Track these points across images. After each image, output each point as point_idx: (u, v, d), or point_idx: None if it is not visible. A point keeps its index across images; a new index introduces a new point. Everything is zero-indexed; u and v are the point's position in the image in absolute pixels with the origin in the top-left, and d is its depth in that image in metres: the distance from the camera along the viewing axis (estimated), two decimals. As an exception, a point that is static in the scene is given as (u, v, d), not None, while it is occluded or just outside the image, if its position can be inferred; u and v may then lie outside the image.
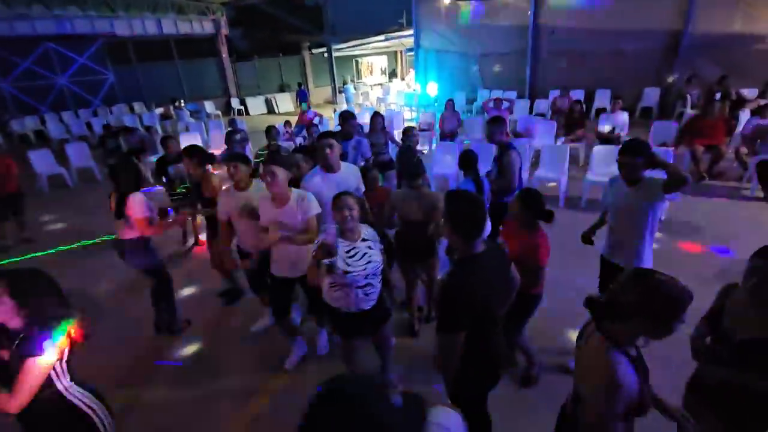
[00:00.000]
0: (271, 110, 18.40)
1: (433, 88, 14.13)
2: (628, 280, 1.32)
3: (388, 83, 20.23)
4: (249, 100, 18.19)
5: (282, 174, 2.63)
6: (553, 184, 5.95)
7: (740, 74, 8.84)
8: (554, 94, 10.10)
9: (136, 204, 3.04)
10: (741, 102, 7.72)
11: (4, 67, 13.56)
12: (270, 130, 5.61)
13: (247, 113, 17.73)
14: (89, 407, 1.72)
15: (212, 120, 13.45)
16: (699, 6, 9.25)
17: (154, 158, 6.06)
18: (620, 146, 2.59)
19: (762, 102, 6.94)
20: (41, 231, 6.25)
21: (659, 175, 2.46)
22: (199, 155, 3.72)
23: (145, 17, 15.48)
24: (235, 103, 17.79)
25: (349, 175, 3.12)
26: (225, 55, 17.88)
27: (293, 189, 2.74)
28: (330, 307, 2.46)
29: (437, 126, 8.65)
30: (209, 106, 16.42)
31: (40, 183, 8.12)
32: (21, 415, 1.58)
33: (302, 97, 15.09)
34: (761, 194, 5.47)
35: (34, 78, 14.11)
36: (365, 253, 2.33)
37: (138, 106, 15.65)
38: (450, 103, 8.39)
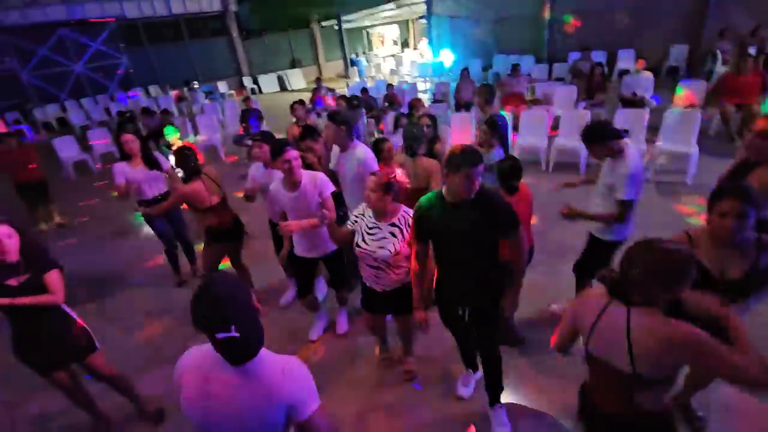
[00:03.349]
0: (283, 87, 18.26)
1: (447, 57, 13.73)
2: (636, 253, 1.36)
3: (401, 54, 19.73)
4: (261, 78, 18.07)
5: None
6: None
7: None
8: (574, 56, 9.69)
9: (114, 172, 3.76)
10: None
11: (22, 56, 13.80)
12: (295, 107, 5.29)
13: (260, 91, 17.66)
14: (75, 317, 2.41)
15: (227, 100, 13.49)
16: (733, -48, 8.60)
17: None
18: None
19: (800, 55, 6.51)
20: (73, 216, 6.50)
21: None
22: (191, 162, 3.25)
23: (154, -3, 15.39)
24: (247, 81, 17.71)
25: (350, 155, 3.07)
26: (235, 33, 17.68)
27: (304, 171, 2.74)
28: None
29: (452, 96, 8.46)
30: (222, 86, 16.40)
31: (66, 169, 8.39)
32: (30, 326, 2.24)
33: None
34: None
35: (51, 66, 14.35)
36: (383, 237, 2.25)
37: (153, 90, 15.77)
38: (465, 71, 8.15)
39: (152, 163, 3.89)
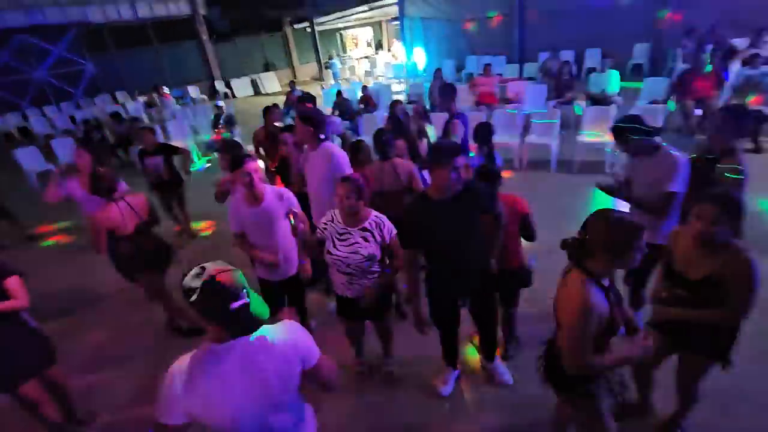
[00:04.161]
0: (257, 91, 18.03)
1: (420, 58, 13.83)
2: (591, 220, 1.52)
3: (375, 55, 19.78)
4: (234, 82, 17.79)
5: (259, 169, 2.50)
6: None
7: (732, 24, 8.67)
8: (544, 56, 9.93)
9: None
10: (732, 53, 7.61)
11: (-22, 63, 13.16)
12: (268, 111, 4.64)
13: (233, 95, 17.39)
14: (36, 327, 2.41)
15: (198, 105, 13.23)
16: (688, -46, 8.98)
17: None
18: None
19: (752, 51, 6.86)
20: (41, 228, 6.23)
21: None
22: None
23: (119, 2, 14.91)
24: (219, 86, 17.40)
25: (320, 157, 2.92)
26: (205, 36, 17.34)
27: (266, 185, 2.58)
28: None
29: (426, 97, 8.54)
30: (193, 91, 16.06)
31: (31, 181, 8.04)
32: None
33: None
34: (750, 146, 5.49)
35: (11, 73, 13.70)
36: (355, 242, 2.22)
37: (121, 96, 15.29)
38: (438, 72, 8.24)
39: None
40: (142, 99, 13.93)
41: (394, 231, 2.29)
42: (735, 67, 6.81)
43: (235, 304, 1.18)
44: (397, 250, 2.29)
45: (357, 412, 2.64)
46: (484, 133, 3.47)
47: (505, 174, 5.64)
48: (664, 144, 2.42)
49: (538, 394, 2.20)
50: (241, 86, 17.91)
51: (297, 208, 2.60)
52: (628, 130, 2.43)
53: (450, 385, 2.66)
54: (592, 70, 9.06)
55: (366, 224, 2.24)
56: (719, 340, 1.85)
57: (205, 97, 16.08)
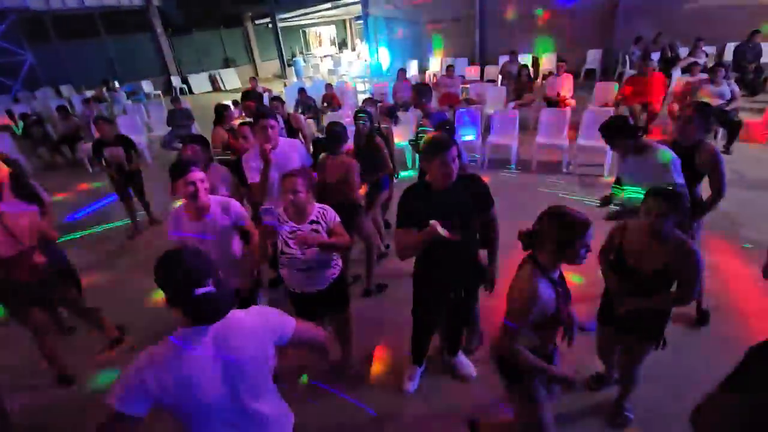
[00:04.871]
0: (216, 87, 17.42)
1: (384, 58, 13.88)
2: (542, 214, 1.60)
3: (339, 54, 19.64)
4: (191, 78, 17.09)
5: (205, 178, 2.25)
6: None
7: (673, 33, 9.31)
8: (504, 59, 10.24)
9: None
10: (674, 60, 8.16)
11: None
12: (221, 111, 4.60)
13: (191, 92, 16.70)
14: None
15: (152, 101, 12.60)
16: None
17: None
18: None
19: (692, 60, 7.39)
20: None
21: None
22: None
23: (62, -12, 13.94)
24: (176, 81, 16.66)
25: (289, 150, 3.03)
26: (159, 29, 16.52)
27: (211, 196, 2.34)
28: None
29: (390, 97, 8.56)
30: (147, 86, 15.28)
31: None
32: None
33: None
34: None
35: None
36: None
37: (66, 90, 14.29)
38: (401, 72, 8.28)
39: (24, 195, 2.97)
40: (89, 93, 13.06)
41: (337, 218, 2.31)
42: (677, 74, 7.31)
43: (199, 291, 1.13)
44: (338, 230, 2.29)
45: (323, 412, 2.60)
46: (449, 132, 3.54)
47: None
48: (651, 142, 2.52)
49: (501, 385, 2.25)
50: (199, 82, 17.24)
51: (246, 220, 2.40)
52: (615, 132, 2.51)
53: (415, 382, 2.67)
54: (548, 74, 9.43)
55: (314, 217, 2.25)
56: (658, 325, 2.01)
57: (160, 92, 15.35)
